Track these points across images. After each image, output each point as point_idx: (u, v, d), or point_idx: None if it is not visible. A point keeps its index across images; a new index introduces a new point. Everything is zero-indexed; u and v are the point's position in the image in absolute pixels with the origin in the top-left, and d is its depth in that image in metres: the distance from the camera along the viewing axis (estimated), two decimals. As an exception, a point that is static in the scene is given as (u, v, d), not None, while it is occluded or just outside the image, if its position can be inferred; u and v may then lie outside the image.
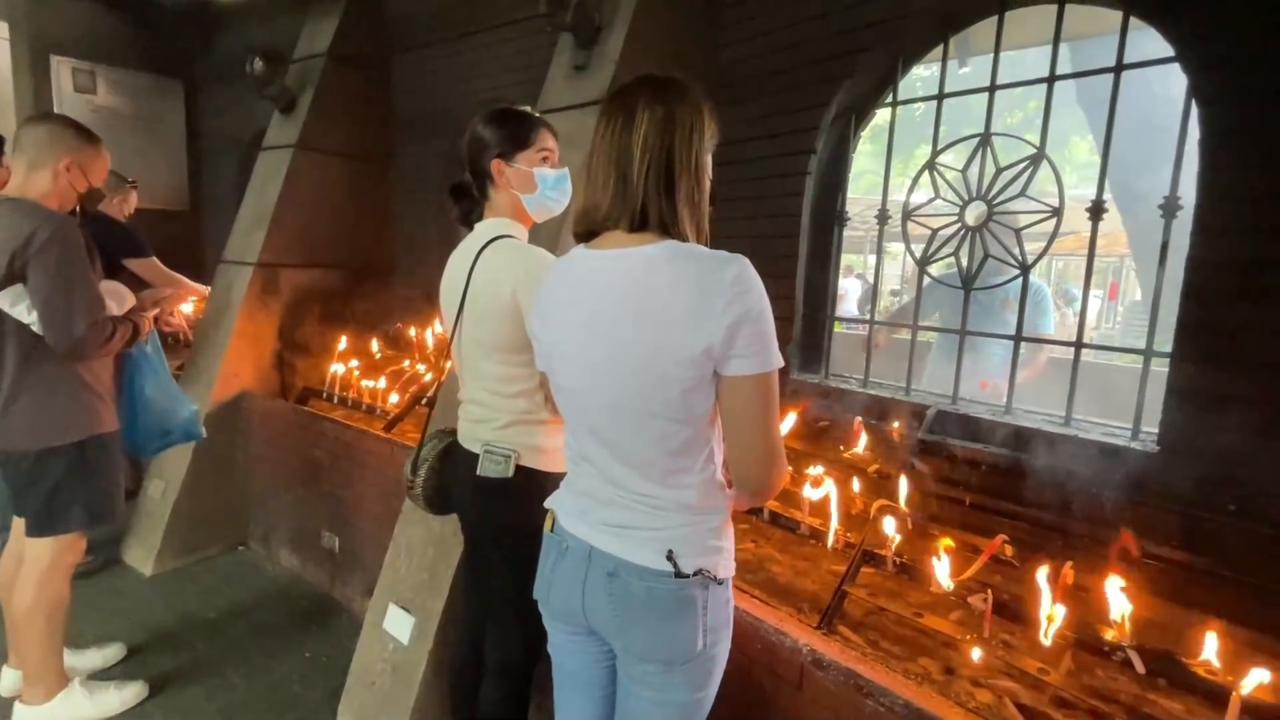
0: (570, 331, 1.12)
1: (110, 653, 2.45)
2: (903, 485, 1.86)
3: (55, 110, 4.32)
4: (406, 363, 3.36)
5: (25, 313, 1.88)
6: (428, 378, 3.16)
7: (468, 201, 1.65)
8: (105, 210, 3.04)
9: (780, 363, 1.02)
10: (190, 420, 2.44)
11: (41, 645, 2.08)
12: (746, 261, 1.01)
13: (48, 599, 2.06)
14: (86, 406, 2.03)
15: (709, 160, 1.12)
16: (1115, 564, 1.57)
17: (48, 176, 1.95)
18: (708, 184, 1.11)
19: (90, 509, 2.06)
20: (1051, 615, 1.43)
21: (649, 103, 1.06)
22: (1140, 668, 1.36)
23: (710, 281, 0.99)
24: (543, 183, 1.56)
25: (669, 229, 1.06)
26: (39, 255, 1.83)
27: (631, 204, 1.06)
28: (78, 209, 2.09)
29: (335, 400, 3.23)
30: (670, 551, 1.08)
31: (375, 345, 3.54)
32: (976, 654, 1.40)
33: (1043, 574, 1.48)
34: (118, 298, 2.17)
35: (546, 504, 1.27)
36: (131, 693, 2.26)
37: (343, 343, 3.48)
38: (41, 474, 1.99)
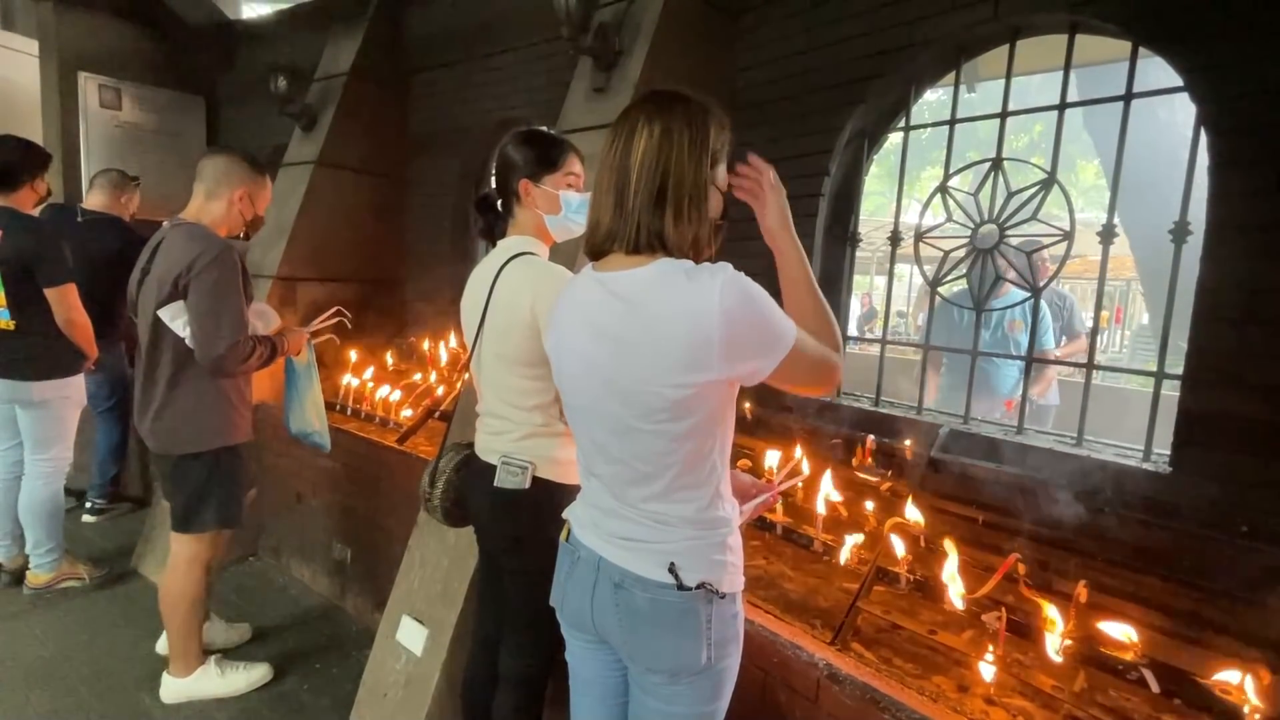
0: (574, 352, 1.13)
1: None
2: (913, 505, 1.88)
3: (81, 126, 4.43)
4: (418, 376, 3.39)
5: (181, 327, 2.05)
6: (440, 391, 3.19)
7: (492, 215, 1.69)
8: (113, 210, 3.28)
9: (794, 330, 1.01)
10: (301, 434, 2.55)
11: (185, 627, 2.29)
12: (729, 271, 0.99)
13: (191, 587, 2.25)
14: (226, 418, 2.20)
15: (718, 171, 1.10)
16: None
17: (223, 205, 2.15)
18: (713, 198, 1.10)
19: (221, 512, 2.23)
20: (1063, 632, 1.44)
21: (647, 121, 1.06)
22: (1155, 687, 1.36)
23: (698, 302, 0.98)
24: (567, 205, 1.60)
25: (661, 249, 1.06)
26: (200, 277, 2.00)
27: (629, 225, 1.06)
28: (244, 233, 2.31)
29: (348, 412, 3.26)
30: (672, 564, 1.08)
31: (389, 358, 3.57)
32: (990, 672, 1.41)
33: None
34: (264, 318, 2.32)
35: (564, 514, 1.29)
36: (258, 673, 2.44)
37: (355, 355, 3.51)
38: (183, 477, 2.18)
